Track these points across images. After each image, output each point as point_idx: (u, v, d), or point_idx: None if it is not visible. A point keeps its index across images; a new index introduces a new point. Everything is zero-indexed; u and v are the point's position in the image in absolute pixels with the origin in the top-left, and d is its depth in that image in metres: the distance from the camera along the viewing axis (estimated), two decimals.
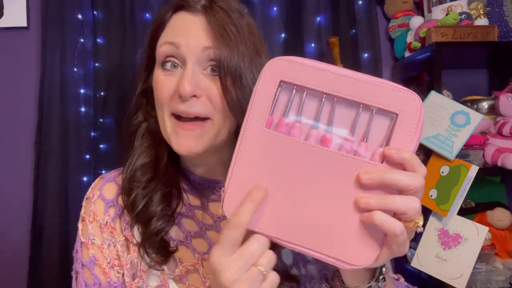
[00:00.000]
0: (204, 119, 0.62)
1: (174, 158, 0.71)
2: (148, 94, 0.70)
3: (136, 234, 0.67)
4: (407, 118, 0.42)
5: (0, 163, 1.52)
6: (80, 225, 0.71)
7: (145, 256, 0.65)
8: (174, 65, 0.64)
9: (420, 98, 0.42)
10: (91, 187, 0.74)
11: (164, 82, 0.63)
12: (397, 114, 0.42)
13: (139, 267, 0.66)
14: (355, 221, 0.42)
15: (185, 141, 0.62)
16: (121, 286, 0.67)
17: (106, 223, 0.69)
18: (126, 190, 0.68)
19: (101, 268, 0.68)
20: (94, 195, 0.71)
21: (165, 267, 0.66)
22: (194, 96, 0.61)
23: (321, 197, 0.43)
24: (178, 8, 0.66)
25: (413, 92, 0.42)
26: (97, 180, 0.74)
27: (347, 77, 0.44)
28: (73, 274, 0.71)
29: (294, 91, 0.46)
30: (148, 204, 0.66)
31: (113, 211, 0.69)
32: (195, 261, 0.67)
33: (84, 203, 0.73)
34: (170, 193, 0.68)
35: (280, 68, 0.46)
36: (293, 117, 0.45)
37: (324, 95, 0.45)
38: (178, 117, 0.63)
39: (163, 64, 0.64)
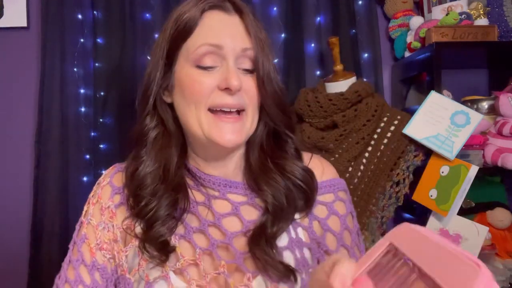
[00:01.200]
0: (239, 111, 0.68)
1: (182, 157, 0.74)
2: (159, 97, 0.72)
3: (138, 229, 0.69)
4: None
5: (0, 163, 1.52)
6: (85, 207, 0.76)
7: (146, 253, 0.66)
8: (211, 66, 0.67)
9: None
10: (104, 173, 0.78)
11: (202, 79, 0.66)
12: None
13: (140, 256, 0.68)
14: None
15: (229, 135, 0.66)
16: (103, 269, 0.70)
17: (108, 207, 0.72)
18: (133, 191, 0.70)
19: (89, 247, 0.71)
20: (104, 181, 0.75)
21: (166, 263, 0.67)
22: (238, 90, 0.66)
23: None
24: (211, 8, 0.68)
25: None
26: (110, 168, 0.78)
27: (446, 257, 0.38)
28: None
29: (398, 258, 0.43)
30: (156, 208, 0.67)
31: (118, 199, 0.73)
32: (196, 256, 0.68)
33: (94, 187, 0.77)
34: (178, 198, 0.69)
35: (399, 235, 0.44)
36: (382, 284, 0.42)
37: (418, 272, 0.41)
38: (212, 112, 0.67)
39: (199, 64, 0.67)
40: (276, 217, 0.68)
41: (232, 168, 0.74)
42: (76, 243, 0.73)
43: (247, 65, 0.69)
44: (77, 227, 0.75)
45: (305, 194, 0.72)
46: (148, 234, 0.66)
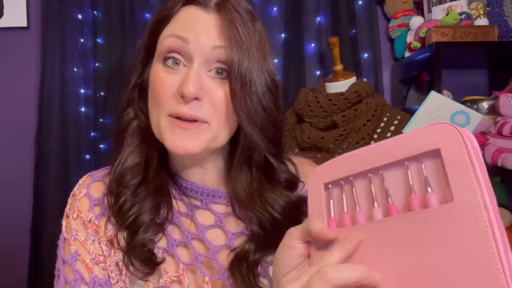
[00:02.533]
0: (202, 122, 0.59)
1: (164, 161, 0.68)
2: (141, 88, 0.66)
3: (121, 239, 0.63)
4: (451, 147, 0.37)
5: (0, 163, 1.52)
6: (64, 222, 0.68)
7: (130, 266, 0.61)
8: (177, 62, 0.59)
9: (454, 126, 0.38)
10: (78, 184, 0.70)
11: (165, 79, 0.59)
12: (438, 149, 0.38)
13: (123, 270, 0.63)
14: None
15: (182, 140, 0.58)
16: (106, 283, 0.64)
17: (90, 220, 0.66)
18: (114, 192, 0.64)
19: (84, 264, 0.64)
20: (81, 193, 0.68)
21: (149, 277, 0.63)
22: (196, 98, 0.57)
23: (427, 264, 0.38)
24: (189, 1, 0.61)
25: (444, 122, 0.39)
26: (84, 177, 0.71)
27: (377, 147, 0.42)
28: (56, 273, 0.67)
29: (343, 184, 0.45)
30: (138, 213, 0.62)
31: (98, 210, 0.66)
32: (180, 272, 0.63)
33: (70, 200, 0.70)
34: (160, 201, 0.64)
35: (321, 174, 0.46)
36: (351, 207, 0.44)
37: (369, 174, 0.43)
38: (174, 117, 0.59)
39: (165, 59, 0.60)
40: (259, 246, 0.63)
41: (212, 177, 0.68)
42: (66, 263, 0.65)
43: (220, 67, 0.59)
44: (60, 244, 0.67)
45: (282, 227, 0.61)
46: (132, 243, 0.61)
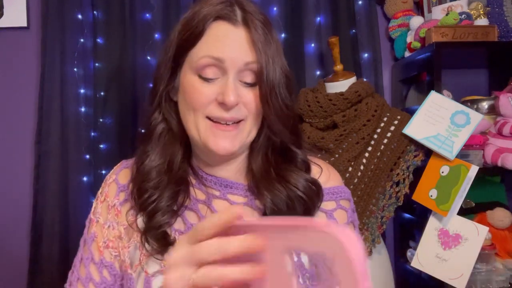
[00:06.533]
0: (238, 122, 0.68)
1: (186, 155, 0.75)
2: (167, 95, 0.73)
3: (140, 222, 0.71)
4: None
5: (0, 163, 1.52)
6: (94, 203, 0.79)
7: (146, 244, 0.68)
8: (211, 78, 0.67)
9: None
10: (112, 170, 0.80)
11: (202, 89, 0.67)
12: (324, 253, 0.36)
13: (141, 251, 0.70)
14: None
15: (223, 142, 0.67)
16: (111, 267, 0.73)
17: (114, 205, 0.75)
18: (138, 185, 0.71)
19: (97, 245, 0.74)
20: (110, 178, 0.78)
21: (166, 256, 0.69)
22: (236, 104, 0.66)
23: None
24: (218, 17, 0.67)
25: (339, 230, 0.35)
26: (117, 165, 0.81)
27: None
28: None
29: None
30: (158, 200, 0.69)
31: (123, 196, 0.75)
32: None
33: (102, 184, 0.79)
34: (179, 190, 0.71)
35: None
36: None
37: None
38: (210, 119, 0.68)
39: (201, 73, 0.67)
40: None
41: (234, 171, 0.76)
42: (86, 241, 0.76)
43: (249, 78, 0.68)
44: (87, 223, 0.78)
45: (305, 205, 0.72)
46: (149, 225, 0.68)
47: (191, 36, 0.68)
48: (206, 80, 0.67)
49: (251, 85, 0.68)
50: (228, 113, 0.66)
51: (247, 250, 0.38)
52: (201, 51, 0.67)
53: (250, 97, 0.68)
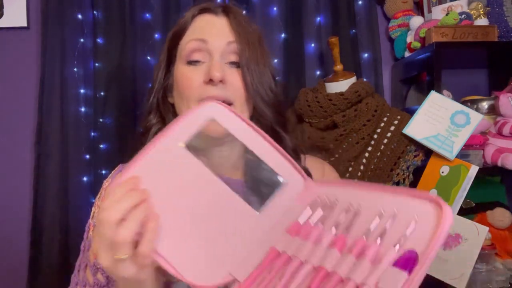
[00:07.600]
0: (229, 104, 0.70)
1: None
2: (163, 95, 0.78)
3: None
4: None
5: (0, 163, 1.52)
6: (93, 209, 0.81)
7: None
8: (199, 61, 0.73)
9: None
10: (110, 174, 0.83)
11: (190, 75, 0.72)
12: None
13: None
14: None
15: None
16: (103, 269, 0.74)
17: None
18: None
19: (93, 250, 0.76)
20: (107, 182, 0.80)
21: None
22: (221, 81, 0.70)
23: None
24: (201, 11, 0.77)
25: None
26: (116, 168, 0.83)
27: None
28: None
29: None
30: None
31: None
32: None
33: (100, 189, 0.82)
34: None
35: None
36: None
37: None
38: None
39: (188, 60, 0.73)
40: None
41: (229, 167, 0.76)
42: (85, 246, 0.79)
43: (233, 58, 0.73)
44: (86, 228, 0.80)
45: None
46: None
47: (180, 30, 0.77)
48: (194, 63, 0.73)
49: (235, 64, 0.74)
50: (216, 90, 0.70)
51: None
52: (187, 38, 0.75)
53: (235, 76, 0.73)
